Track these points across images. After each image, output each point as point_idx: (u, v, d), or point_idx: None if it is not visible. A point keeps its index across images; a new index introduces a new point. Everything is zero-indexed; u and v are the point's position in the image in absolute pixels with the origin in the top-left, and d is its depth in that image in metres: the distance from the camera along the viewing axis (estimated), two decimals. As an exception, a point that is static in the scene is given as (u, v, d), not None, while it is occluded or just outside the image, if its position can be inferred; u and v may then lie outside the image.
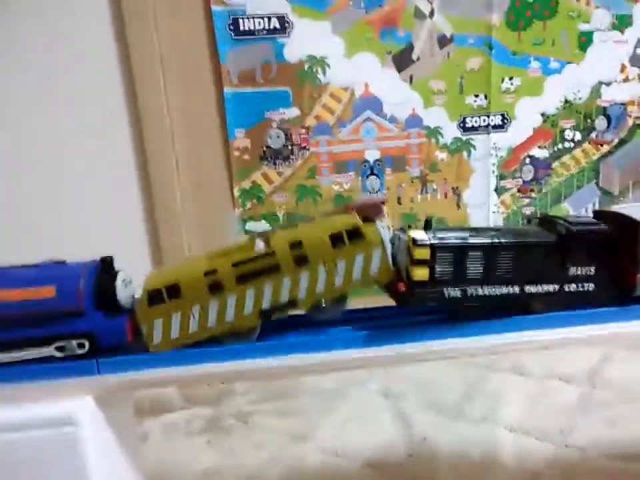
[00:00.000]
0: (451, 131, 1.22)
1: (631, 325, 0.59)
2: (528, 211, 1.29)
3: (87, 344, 0.56)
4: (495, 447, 0.87)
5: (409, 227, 0.59)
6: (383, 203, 0.60)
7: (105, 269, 0.58)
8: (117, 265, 0.60)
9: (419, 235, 0.55)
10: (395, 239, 0.59)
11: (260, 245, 0.57)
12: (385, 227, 0.58)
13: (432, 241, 0.54)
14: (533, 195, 1.29)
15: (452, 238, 0.56)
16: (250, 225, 1.19)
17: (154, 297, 0.56)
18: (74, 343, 0.56)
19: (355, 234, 0.56)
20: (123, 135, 1.12)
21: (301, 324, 0.60)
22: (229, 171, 1.17)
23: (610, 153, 1.30)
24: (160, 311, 0.56)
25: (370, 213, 0.58)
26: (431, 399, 1.02)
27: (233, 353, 0.58)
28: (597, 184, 1.30)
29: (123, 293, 0.58)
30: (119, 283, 0.57)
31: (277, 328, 0.60)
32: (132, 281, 0.59)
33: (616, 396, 0.99)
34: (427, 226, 0.57)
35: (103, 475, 0.56)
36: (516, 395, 1.02)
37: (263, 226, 1.19)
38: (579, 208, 1.30)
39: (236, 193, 1.18)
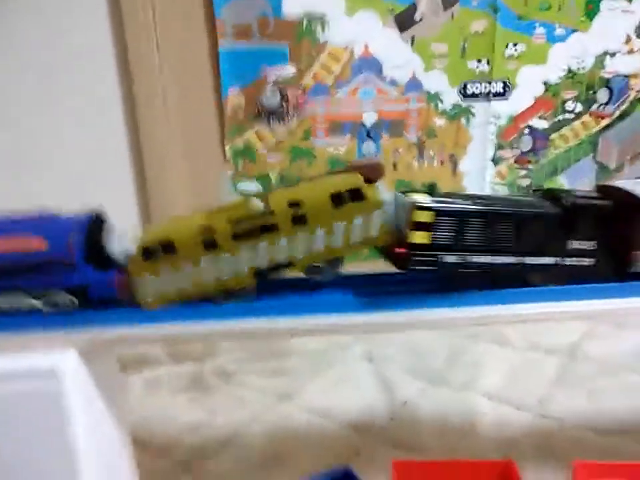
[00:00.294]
0: (450, 97, 1.19)
1: (626, 301, 0.59)
2: (524, 183, 1.28)
3: (76, 298, 0.56)
4: (474, 414, 0.89)
5: (411, 190, 0.57)
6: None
7: (98, 222, 0.58)
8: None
9: (422, 198, 0.54)
10: (396, 201, 0.57)
11: (257, 204, 0.55)
12: (385, 190, 0.57)
13: (434, 205, 0.53)
14: (530, 166, 1.27)
15: (454, 203, 0.55)
16: (242, 185, 1.18)
17: (148, 252, 0.55)
18: (64, 296, 0.56)
19: (356, 195, 0.55)
20: (113, 91, 1.08)
21: (296, 285, 0.59)
22: (222, 129, 1.14)
23: (610, 126, 1.28)
24: (154, 267, 0.55)
25: (371, 174, 0.57)
26: (414, 364, 1.04)
27: (225, 312, 0.57)
28: (594, 157, 1.29)
29: (116, 248, 0.57)
30: (111, 237, 0.57)
31: (272, 289, 0.59)
32: (125, 236, 0.59)
33: (595, 370, 1.01)
34: (430, 190, 0.56)
35: (86, 428, 0.56)
36: (497, 365, 1.03)
37: (255, 186, 1.18)
38: (575, 181, 1.29)
39: (228, 152, 1.16)
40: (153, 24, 1.06)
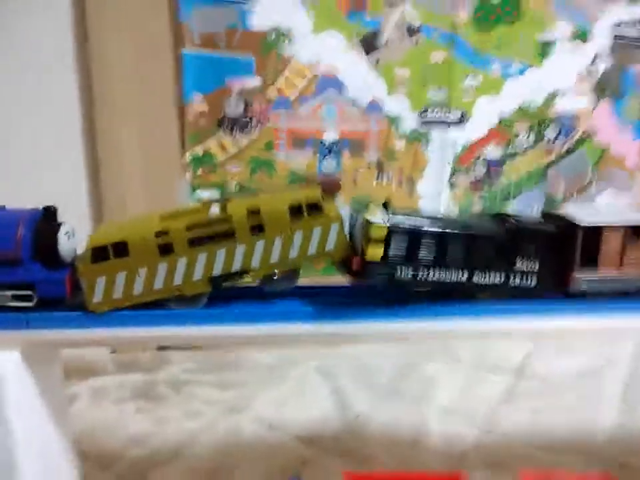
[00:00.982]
0: (410, 121, 1.23)
1: (564, 320, 0.61)
2: (477, 208, 1.32)
3: (24, 295, 0.53)
4: (424, 428, 0.89)
5: (367, 206, 0.59)
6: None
7: (48, 218, 0.56)
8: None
9: (377, 215, 0.56)
10: (352, 217, 0.59)
11: (215, 210, 0.55)
12: (343, 205, 0.58)
13: (389, 222, 0.55)
14: (483, 192, 1.32)
15: (408, 221, 0.57)
16: (199, 193, 1.16)
17: (98, 253, 0.53)
18: (7, 293, 0.53)
19: (314, 207, 0.56)
20: (71, 90, 1.06)
21: (250, 294, 0.59)
22: (182, 134, 1.13)
23: (557, 160, 1.35)
24: (104, 269, 0.54)
25: (329, 189, 0.59)
26: (366, 378, 1.04)
27: (176, 318, 0.56)
28: (542, 189, 1.35)
29: (66, 246, 0.55)
30: (61, 235, 0.55)
31: (225, 297, 0.58)
32: (75, 234, 0.57)
33: (540, 388, 1.04)
34: (385, 207, 0.58)
35: (26, 431, 0.54)
36: (448, 380, 1.05)
37: (213, 194, 1.16)
38: (525, 209, 1.34)
39: (187, 158, 1.14)
40: (116, 25, 1.04)
